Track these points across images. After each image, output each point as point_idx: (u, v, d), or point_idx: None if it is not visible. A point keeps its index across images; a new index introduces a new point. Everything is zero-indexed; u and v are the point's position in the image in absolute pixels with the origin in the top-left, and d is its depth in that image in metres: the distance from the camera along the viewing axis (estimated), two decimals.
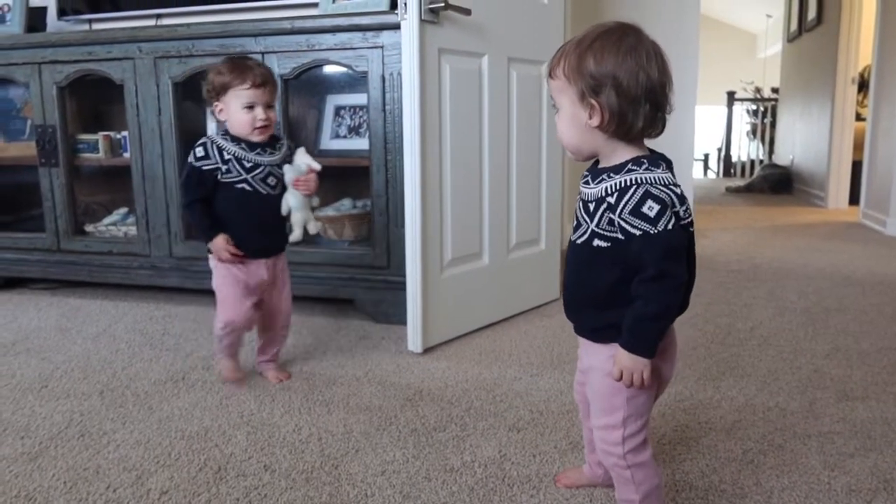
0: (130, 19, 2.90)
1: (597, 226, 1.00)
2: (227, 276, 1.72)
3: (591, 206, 1.01)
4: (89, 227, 2.74)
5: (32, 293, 2.77)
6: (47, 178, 2.67)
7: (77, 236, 2.70)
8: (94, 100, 2.84)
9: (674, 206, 0.97)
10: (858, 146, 5.15)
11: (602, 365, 1.04)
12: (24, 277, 2.81)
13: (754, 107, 8.32)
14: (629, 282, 0.98)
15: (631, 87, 0.95)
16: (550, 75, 1.03)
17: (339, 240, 2.45)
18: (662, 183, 0.97)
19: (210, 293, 2.56)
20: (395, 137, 2.19)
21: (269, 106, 1.67)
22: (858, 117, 5.49)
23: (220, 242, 1.65)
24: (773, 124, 7.84)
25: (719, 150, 9.05)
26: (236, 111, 1.64)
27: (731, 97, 8.33)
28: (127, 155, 2.60)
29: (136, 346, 2.10)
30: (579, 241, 1.04)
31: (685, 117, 3.79)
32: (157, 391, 1.75)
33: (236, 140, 1.68)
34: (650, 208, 0.95)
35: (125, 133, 2.60)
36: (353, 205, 2.54)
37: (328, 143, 2.53)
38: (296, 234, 1.75)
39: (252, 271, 1.73)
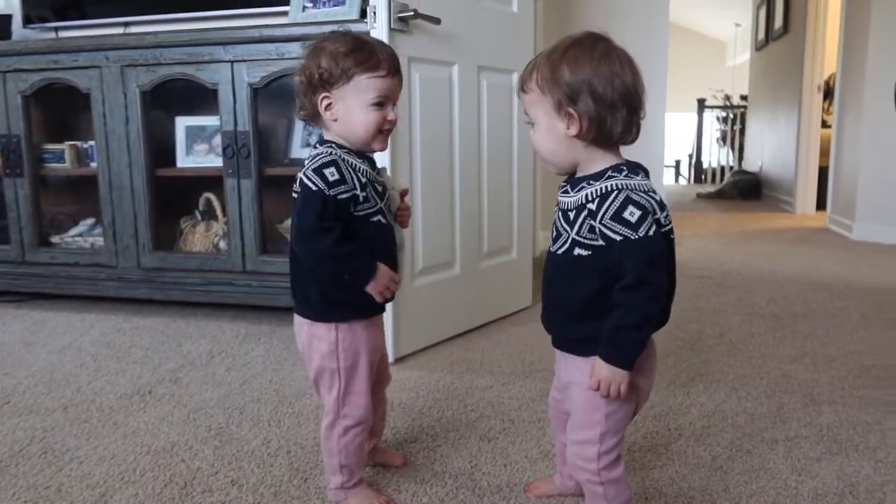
0: (97, 27, 2.87)
1: (577, 234, 1.00)
2: (353, 345, 1.20)
3: (572, 215, 1.01)
4: (55, 239, 2.69)
5: None
6: (12, 188, 2.62)
7: (42, 248, 2.64)
8: (61, 109, 2.79)
9: (654, 212, 0.97)
10: (825, 153, 5.26)
11: (583, 379, 1.03)
12: None
13: (724, 114, 8.46)
14: (610, 292, 0.98)
15: (607, 93, 0.95)
16: (523, 89, 1.02)
17: None
18: (642, 189, 0.98)
19: (177, 304, 2.55)
20: None
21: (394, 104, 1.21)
22: (824, 124, 5.60)
23: (386, 274, 1.17)
24: (742, 131, 7.97)
25: (690, 156, 9.18)
26: (359, 108, 1.15)
27: (702, 104, 8.46)
28: (94, 164, 2.56)
29: (102, 360, 2.06)
30: (559, 252, 1.03)
31: (655, 124, 3.83)
32: (122, 405, 1.72)
33: (360, 155, 1.19)
34: (631, 214, 0.95)
35: (92, 142, 2.56)
36: None
37: (298, 152, 2.51)
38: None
39: (378, 333, 1.28)
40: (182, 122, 2.58)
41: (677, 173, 9.72)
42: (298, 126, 2.55)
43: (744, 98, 8.14)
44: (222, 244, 2.51)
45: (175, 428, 1.58)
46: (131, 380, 1.89)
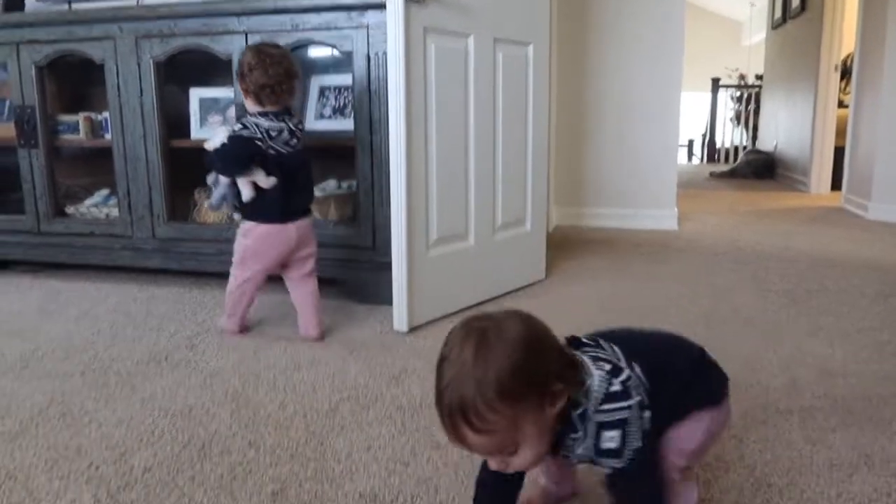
0: None
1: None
2: None
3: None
4: (70, 209, 2.71)
5: (14, 276, 2.73)
6: (27, 159, 2.62)
7: (58, 218, 2.66)
8: (75, 80, 2.79)
9: (628, 397, 0.87)
10: (840, 132, 5.20)
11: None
12: (5, 260, 2.77)
13: (738, 93, 8.38)
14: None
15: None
16: (477, 430, 0.81)
17: (324, 220, 2.44)
18: (606, 393, 0.87)
19: (192, 274, 2.56)
20: (381, 118, 2.17)
21: None
22: (841, 104, 5.53)
23: None
24: (756, 111, 7.89)
25: (703, 136, 9.11)
26: None
27: (716, 84, 8.37)
28: (108, 136, 2.56)
29: (119, 327, 2.08)
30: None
31: (670, 103, 3.80)
32: (139, 371, 1.73)
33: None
34: (611, 439, 0.86)
35: (106, 114, 2.56)
36: (339, 185, 2.52)
37: (313, 123, 2.51)
38: None
39: None
40: (196, 94, 2.58)
41: (690, 152, 9.66)
42: (313, 97, 2.54)
43: (759, 77, 8.05)
44: (236, 215, 2.51)
45: (192, 392, 1.60)
46: (147, 346, 1.91)
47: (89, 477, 1.24)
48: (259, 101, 1.84)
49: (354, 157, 2.24)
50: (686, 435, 0.95)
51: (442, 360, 0.84)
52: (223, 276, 2.56)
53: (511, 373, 0.80)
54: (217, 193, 1.90)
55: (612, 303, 2.36)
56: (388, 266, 2.03)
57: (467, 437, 0.81)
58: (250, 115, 1.87)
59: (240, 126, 1.85)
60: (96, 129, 2.66)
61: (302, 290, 1.98)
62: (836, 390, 1.61)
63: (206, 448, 1.34)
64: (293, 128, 1.89)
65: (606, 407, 0.86)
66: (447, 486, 1.21)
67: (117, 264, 2.60)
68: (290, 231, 1.91)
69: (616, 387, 0.87)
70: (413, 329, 2.01)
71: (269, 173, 1.86)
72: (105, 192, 2.74)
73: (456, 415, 0.80)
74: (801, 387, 1.63)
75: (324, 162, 2.61)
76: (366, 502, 1.16)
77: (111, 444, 1.35)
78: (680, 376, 0.95)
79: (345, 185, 2.52)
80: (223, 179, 1.88)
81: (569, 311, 2.22)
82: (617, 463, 0.87)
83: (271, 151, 1.85)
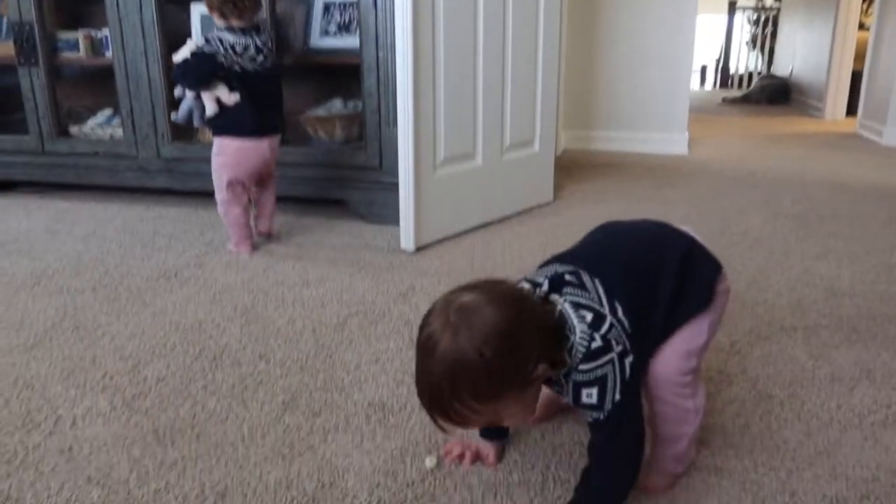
0: None
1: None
2: None
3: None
4: (74, 130, 2.68)
5: (20, 196, 2.73)
6: (27, 77, 2.58)
7: (62, 138, 2.63)
8: None
9: (608, 350, 0.84)
10: (859, 56, 5.06)
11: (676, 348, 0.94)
12: (11, 180, 2.77)
13: (756, 16, 8.12)
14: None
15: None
16: (460, 424, 0.82)
17: (330, 140, 2.41)
18: (586, 351, 0.83)
19: (198, 194, 2.56)
20: (387, 34, 2.11)
21: None
22: (861, 27, 5.36)
23: None
24: (773, 34, 7.67)
25: (717, 61, 8.89)
26: None
27: (733, 6, 8.10)
28: (109, 54, 2.51)
29: (127, 246, 2.09)
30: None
31: (685, 26, 3.67)
32: (150, 287, 1.75)
33: None
34: (588, 395, 0.85)
35: (106, 31, 2.50)
36: (344, 105, 2.48)
37: (318, 40, 2.44)
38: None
39: None
40: (197, 10, 2.51)
41: (703, 78, 9.45)
42: (318, 13, 2.47)
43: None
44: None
45: (202, 307, 1.62)
46: (157, 264, 1.92)
47: (104, 386, 1.26)
48: (223, 16, 1.87)
49: (360, 75, 2.19)
50: (689, 337, 0.94)
51: (419, 348, 0.82)
52: None
53: (487, 375, 0.78)
54: (184, 106, 1.94)
55: None
56: (395, 186, 2.01)
57: (449, 427, 0.83)
58: (217, 30, 1.89)
59: (203, 41, 1.88)
60: (97, 47, 2.60)
61: (263, 195, 2.09)
62: (841, 309, 1.61)
63: (217, 360, 1.36)
64: (259, 45, 1.91)
65: (584, 367, 0.84)
66: None
67: (122, 184, 2.59)
68: (263, 146, 1.96)
69: (597, 342, 0.84)
70: (420, 248, 2.02)
71: (232, 89, 1.89)
72: (108, 111, 2.71)
73: (435, 412, 0.82)
74: (806, 306, 1.63)
75: (329, 81, 2.56)
76: (374, 410, 1.18)
77: (124, 356, 1.38)
78: (667, 295, 0.92)
79: (350, 104, 2.48)
80: (189, 93, 1.91)
81: (576, 234, 2.20)
82: (596, 414, 0.86)
83: (236, 68, 1.88)
